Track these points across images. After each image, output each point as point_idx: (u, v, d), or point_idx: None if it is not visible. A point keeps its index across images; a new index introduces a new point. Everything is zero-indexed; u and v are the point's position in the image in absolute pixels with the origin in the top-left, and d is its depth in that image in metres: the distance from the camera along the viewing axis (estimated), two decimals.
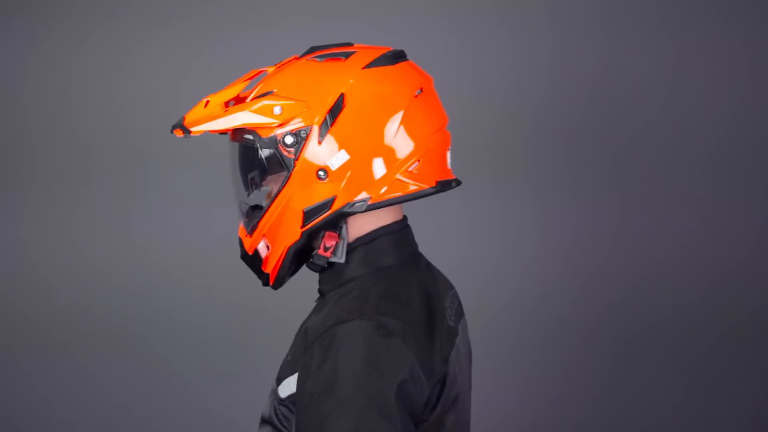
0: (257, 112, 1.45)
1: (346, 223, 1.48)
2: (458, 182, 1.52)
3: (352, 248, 1.47)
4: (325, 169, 1.43)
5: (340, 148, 1.43)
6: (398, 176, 1.44)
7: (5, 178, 3.00)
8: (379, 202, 1.44)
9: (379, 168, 1.44)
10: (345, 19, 2.88)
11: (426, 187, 1.46)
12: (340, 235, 1.48)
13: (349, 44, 1.54)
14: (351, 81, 1.44)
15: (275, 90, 1.46)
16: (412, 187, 1.45)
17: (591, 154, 2.90)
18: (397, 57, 1.48)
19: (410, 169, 1.45)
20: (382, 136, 1.43)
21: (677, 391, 2.95)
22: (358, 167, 1.43)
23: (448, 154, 1.50)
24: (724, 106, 2.89)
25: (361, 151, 1.43)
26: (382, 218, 1.49)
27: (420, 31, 2.90)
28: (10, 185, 2.99)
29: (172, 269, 2.99)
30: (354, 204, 1.43)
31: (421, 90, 1.47)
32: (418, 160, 1.45)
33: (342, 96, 1.43)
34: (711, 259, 2.93)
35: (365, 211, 1.44)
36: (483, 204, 2.90)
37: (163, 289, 2.98)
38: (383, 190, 1.44)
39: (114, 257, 2.99)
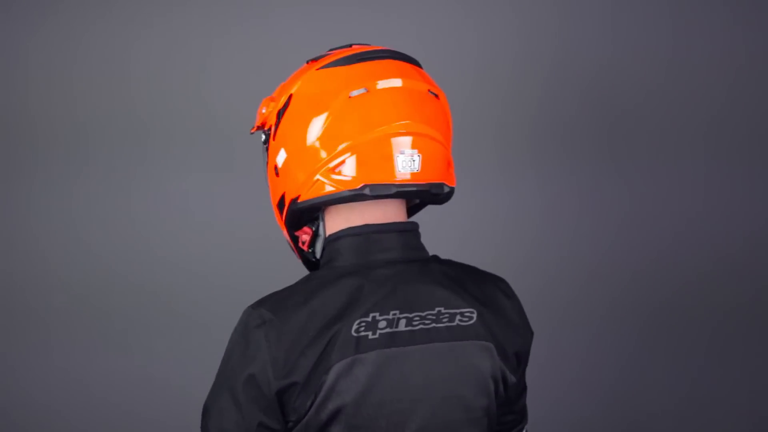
0: (258, 113, 1.54)
1: (323, 220, 1.50)
2: (407, 186, 1.44)
3: (325, 245, 1.49)
4: (276, 167, 1.49)
5: (281, 147, 1.47)
6: (319, 177, 1.43)
7: (6, 160, 2.95)
8: (304, 202, 1.45)
9: (304, 167, 1.44)
10: (349, 5, 2.88)
11: (342, 189, 1.42)
12: (316, 231, 1.52)
13: (349, 46, 1.53)
14: (300, 83, 1.47)
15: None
16: (332, 189, 1.43)
17: (593, 135, 2.91)
18: (361, 58, 1.47)
19: (336, 170, 1.43)
20: (306, 136, 1.44)
21: (690, 374, 2.95)
22: (293, 166, 1.45)
23: (400, 158, 1.43)
24: (725, 83, 2.91)
25: (293, 151, 1.45)
26: (353, 219, 1.47)
27: (425, 11, 2.89)
28: (11, 167, 2.95)
29: (172, 253, 2.95)
30: (295, 201, 1.47)
31: (367, 90, 1.43)
32: (344, 162, 1.43)
33: (290, 97, 1.47)
34: (717, 238, 2.93)
35: (300, 209, 1.46)
36: (487, 186, 2.90)
37: (163, 274, 2.95)
38: (309, 189, 1.44)
39: (114, 240, 2.95)
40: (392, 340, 1.40)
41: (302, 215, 1.53)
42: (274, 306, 1.42)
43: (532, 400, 2.85)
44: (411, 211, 1.65)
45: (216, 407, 1.42)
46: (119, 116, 2.93)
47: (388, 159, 1.42)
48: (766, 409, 2.97)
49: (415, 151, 1.43)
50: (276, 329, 1.39)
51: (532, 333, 1.56)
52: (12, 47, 2.91)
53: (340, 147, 1.43)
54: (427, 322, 1.42)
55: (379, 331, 1.40)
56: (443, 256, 1.57)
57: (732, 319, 2.96)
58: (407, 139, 1.43)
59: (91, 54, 2.92)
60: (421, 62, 1.55)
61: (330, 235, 1.49)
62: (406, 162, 1.43)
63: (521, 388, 1.59)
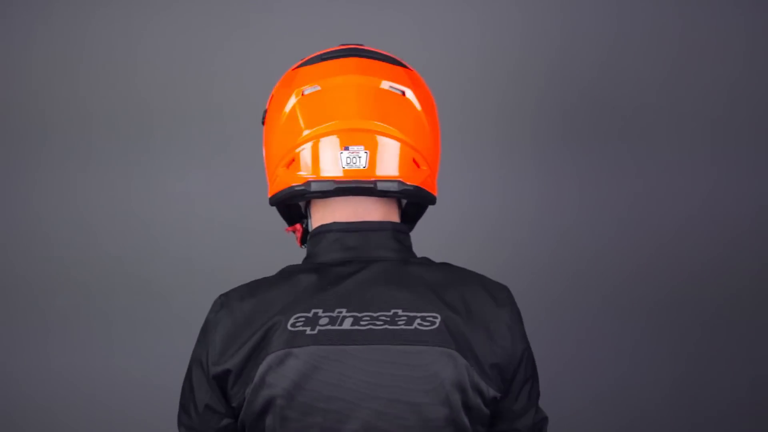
0: None
1: (309, 217, 1.53)
2: (349, 183, 1.42)
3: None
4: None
5: (263, 147, 1.54)
6: (277, 174, 1.47)
7: (15, 138, 2.94)
8: (270, 198, 1.50)
9: (270, 165, 1.49)
10: None
11: (291, 185, 1.45)
12: (306, 227, 1.56)
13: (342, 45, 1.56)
14: (278, 84, 1.52)
15: None
16: (284, 186, 1.46)
17: (595, 125, 2.89)
18: (323, 57, 1.50)
19: (289, 167, 1.45)
20: (270, 133, 1.49)
21: (690, 367, 2.92)
22: (267, 164, 1.52)
23: (344, 154, 1.43)
24: (730, 72, 2.88)
25: (267, 149, 1.51)
26: (327, 216, 1.49)
27: None
28: (20, 145, 2.95)
29: (175, 248, 2.94)
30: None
31: (319, 88, 1.46)
32: (293, 159, 1.45)
33: (270, 98, 1.53)
34: (719, 229, 2.91)
35: (272, 205, 1.50)
36: (487, 174, 2.89)
37: (165, 268, 2.94)
38: (272, 186, 1.49)
39: (117, 232, 2.94)
40: (333, 337, 1.39)
41: (291, 212, 1.57)
42: (232, 295, 1.46)
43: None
44: (414, 213, 1.62)
45: (183, 387, 1.51)
46: (123, 107, 2.93)
47: (334, 155, 1.43)
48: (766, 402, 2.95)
49: (362, 147, 1.42)
50: (223, 317, 1.44)
51: (524, 347, 1.48)
52: (18, 35, 2.92)
53: (292, 143, 1.45)
54: (378, 323, 1.40)
55: (318, 327, 1.39)
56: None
57: (736, 311, 2.93)
58: (353, 135, 1.43)
59: (96, 44, 2.92)
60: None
61: (310, 232, 1.51)
62: (352, 158, 1.42)
63: (523, 405, 1.50)
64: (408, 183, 1.44)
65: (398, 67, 1.52)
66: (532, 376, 1.51)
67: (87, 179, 2.95)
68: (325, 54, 1.51)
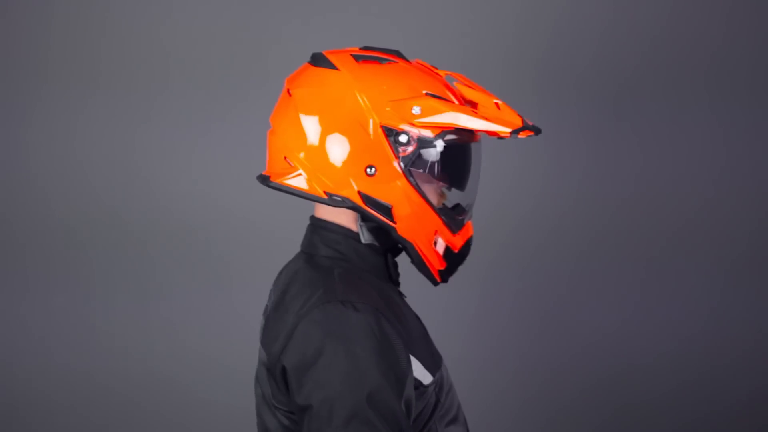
0: None
1: None
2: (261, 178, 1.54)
3: None
4: None
5: None
6: None
7: (14, 87, 2.96)
8: None
9: None
10: None
11: None
12: None
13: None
14: None
15: None
16: None
17: (599, 82, 2.90)
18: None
19: None
20: None
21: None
22: None
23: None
24: (729, 28, 2.90)
25: None
26: None
27: None
28: (18, 94, 2.96)
29: (173, 190, 2.98)
30: None
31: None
32: None
33: None
34: (723, 183, 2.95)
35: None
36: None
37: (162, 210, 2.97)
38: None
39: (114, 175, 2.97)
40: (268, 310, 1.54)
41: None
42: None
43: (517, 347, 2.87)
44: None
45: None
46: (128, 57, 2.93)
47: None
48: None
49: (268, 147, 1.53)
50: None
51: (284, 362, 1.39)
52: None
53: None
54: (272, 305, 1.51)
55: (268, 300, 1.57)
56: None
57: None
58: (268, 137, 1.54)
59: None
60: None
61: None
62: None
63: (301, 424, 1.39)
64: (272, 180, 1.49)
65: (316, 69, 1.50)
66: (311, 412, 1.34)
67: (86, 128, 2.95)
68: None
